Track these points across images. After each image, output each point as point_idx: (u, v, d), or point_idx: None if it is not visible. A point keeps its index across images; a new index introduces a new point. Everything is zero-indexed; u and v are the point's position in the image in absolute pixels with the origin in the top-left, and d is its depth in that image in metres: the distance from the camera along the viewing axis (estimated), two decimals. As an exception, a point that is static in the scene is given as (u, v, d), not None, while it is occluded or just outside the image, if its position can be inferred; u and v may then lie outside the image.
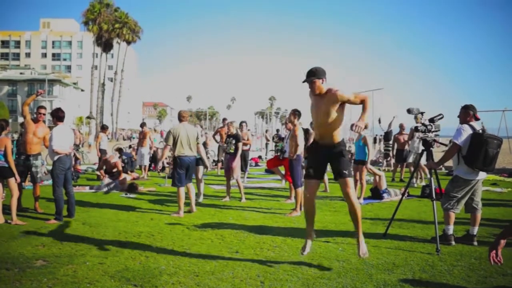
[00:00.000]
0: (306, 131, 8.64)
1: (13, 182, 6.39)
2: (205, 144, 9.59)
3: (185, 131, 7.25)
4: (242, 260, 4.59)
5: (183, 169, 7.17)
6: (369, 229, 6.11)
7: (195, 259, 4.61)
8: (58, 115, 6.72)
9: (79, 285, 3.84)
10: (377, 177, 9.03)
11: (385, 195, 8.89)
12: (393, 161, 13.69)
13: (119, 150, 13.53)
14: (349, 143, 31.79)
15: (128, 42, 55.35)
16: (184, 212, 7.19)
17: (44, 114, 7.21)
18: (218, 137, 14.02)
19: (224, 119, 12.41)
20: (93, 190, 9.85)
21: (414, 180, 11.25)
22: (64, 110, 7.00)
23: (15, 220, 6.24)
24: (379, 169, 11.01)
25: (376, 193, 9.00)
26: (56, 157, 6.51)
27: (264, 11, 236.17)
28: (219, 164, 14.63)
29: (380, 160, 16.38)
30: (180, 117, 7.50)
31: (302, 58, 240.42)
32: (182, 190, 7.19)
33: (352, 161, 8.64)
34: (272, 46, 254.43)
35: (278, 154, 8.79)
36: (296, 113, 7.44)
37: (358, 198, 8.49)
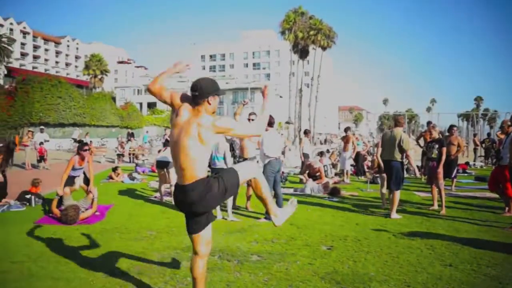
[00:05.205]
0: None
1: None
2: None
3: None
4: (457, 275, 4.21)
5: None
6: None
7: (405, 268, 4.41)
8: (268, 121, 7.26)
9: (292, 282, 4.06)
10: None
11: None
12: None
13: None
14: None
15: (324, 48, 56.58)
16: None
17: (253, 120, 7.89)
18: (422, 142, 13.22)
19: (428, 123, 11.61)
20: (297, 193, 10.34)
21: None
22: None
23: (231, 217, 6.98)
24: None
25: None
26: (266, 160, 7.05)
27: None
28: (422, 170, 13.73)
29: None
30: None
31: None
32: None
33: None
34: (478, 38, 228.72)
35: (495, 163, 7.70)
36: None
37: None
